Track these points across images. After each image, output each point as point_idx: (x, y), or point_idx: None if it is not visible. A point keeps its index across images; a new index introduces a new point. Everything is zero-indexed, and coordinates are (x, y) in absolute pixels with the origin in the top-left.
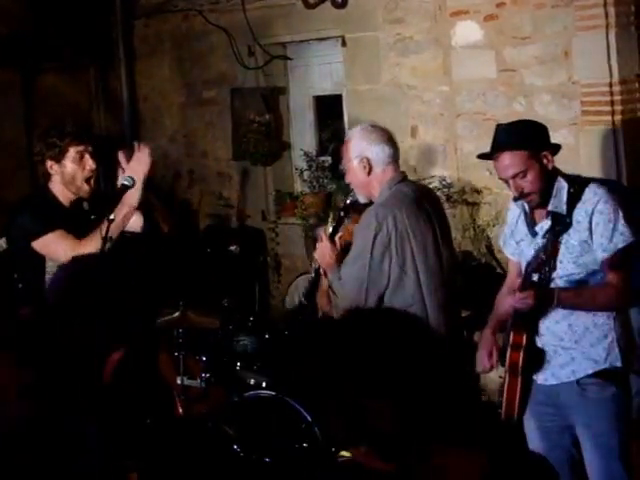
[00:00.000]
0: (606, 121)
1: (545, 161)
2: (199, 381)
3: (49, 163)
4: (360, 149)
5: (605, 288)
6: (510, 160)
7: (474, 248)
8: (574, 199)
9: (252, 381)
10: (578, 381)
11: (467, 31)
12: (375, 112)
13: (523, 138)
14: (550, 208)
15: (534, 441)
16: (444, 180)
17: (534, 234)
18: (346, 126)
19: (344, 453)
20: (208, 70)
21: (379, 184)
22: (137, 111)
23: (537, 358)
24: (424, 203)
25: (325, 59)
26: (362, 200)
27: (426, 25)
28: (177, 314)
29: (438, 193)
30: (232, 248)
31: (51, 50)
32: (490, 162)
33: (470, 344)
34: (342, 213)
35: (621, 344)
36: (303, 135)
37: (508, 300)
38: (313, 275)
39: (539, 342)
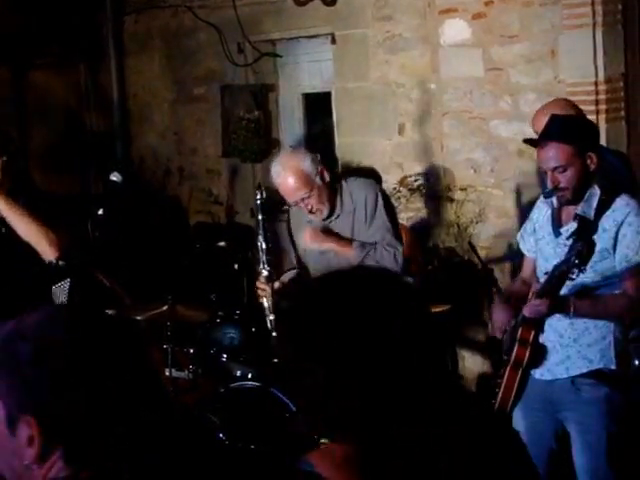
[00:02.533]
0: (590, 120)
1: (589, 161)
2: (187, 373)
3: None
4: (313, 166)
5: (619, 298)
6: (555, 152)
7: (457, 245)
8: (604, 206)
9: (238, 372)
10: (573, 380)
11: (455, 29)
12: (364, 109)
13: (574, 133)
14: (578, 212)
15: (520, 431)
16: (429, 177)
17: (557, 235)
18: (335, 124)
19: (325, 441)
20: (198, 67)
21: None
22: (127, 108)
23: (539, 354)
24: None
25: (314, 56)
26: (325, 214)
27: (415, 23)
28: (166, 307)
29: (424, 190)
30: (221, 244)
31: (41, 47)
32: (476, 159)
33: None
34: (260, 216)
35: (618, 347)
36: (293, 132)
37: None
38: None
39: (540, 337)
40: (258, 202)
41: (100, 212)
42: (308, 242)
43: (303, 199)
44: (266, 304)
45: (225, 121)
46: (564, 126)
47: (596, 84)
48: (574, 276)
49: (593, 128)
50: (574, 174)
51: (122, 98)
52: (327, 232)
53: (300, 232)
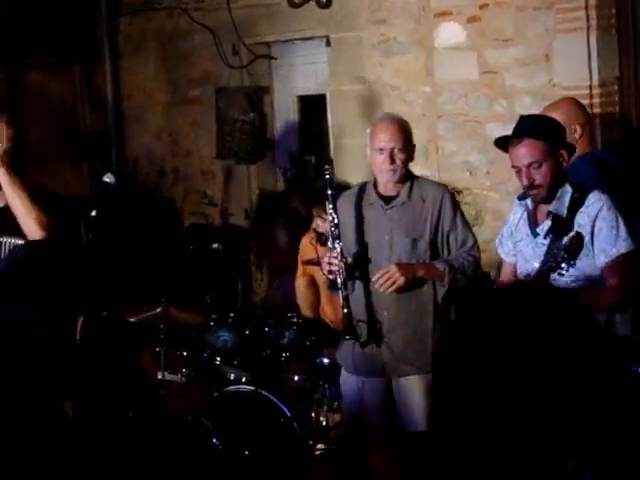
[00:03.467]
0: None
1: (561, 159)
2: (180, 376)
3: None
4: (412, 137)
5: (607, 290)
6: (529, 148)
7: None
8: (577, 204)
9: (232, 376)
10: None
11: (450, 32)
12: (358, 112)
13: (545, 130)
14: (551, 209)
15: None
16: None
17: (535, 234)
18: (330, 126)
19: (321, 446)
20: (193, 69)
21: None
22: (122, 109)
23: None
24: None
25: (309, 59)
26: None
27: (410, 26)
28: (159, 310)
29: None
30: (215, 246)
31: (36, 47)
32: (472, 162)
33: None
34: (330, 191)
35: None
36: (287, 134)
37: None
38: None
39: None
40: (328, 177)
41: (93, 213)
42: (399, 278)
43: (399, 149)
44: (339, 280)
45: (220, 123)
46: (535, 124)
47: (590, 88)
48: (564, 271)
49: (560, 126)
50: (548, 170)
51: (117, 99)
52: (409, 264)
53: (346, 220)
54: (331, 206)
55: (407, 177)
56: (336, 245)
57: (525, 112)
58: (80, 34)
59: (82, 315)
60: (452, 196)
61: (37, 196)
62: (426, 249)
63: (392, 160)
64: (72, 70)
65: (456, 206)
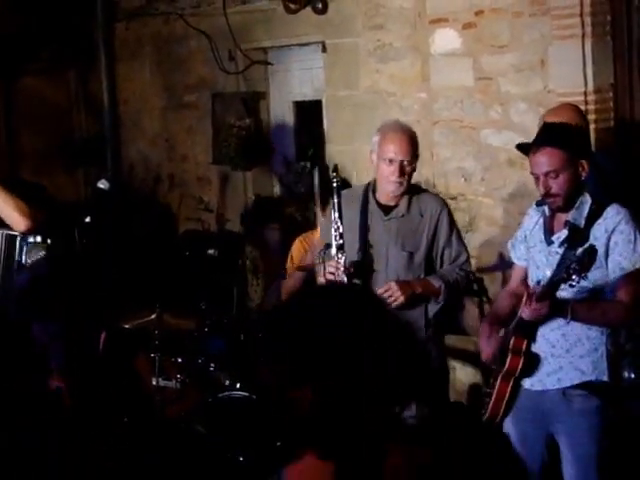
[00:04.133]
0: None
1: (580, 169)
2: (174, 382)
3: None
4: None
5: (616, 305)
6: (548, 156)
7: None
8: (595, 215)
9: (226, 382)
10: (564, 391)
11: (446, 39)
12: (354, 118)
13: (567, 140)
14: (569, 219)
15: (512, 442)
16: (420, 186)
17: (550, 242)
18: (326, 131)
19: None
20: (189, 74)
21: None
22: (117, 114)
23: (532, 364)
24: None
25: (305, 64)
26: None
27: (405, 32)
28: (154, 316)
29: None
30: (211, 252)
31: (32, 52)
32: (467, 168)
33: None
34: (336, 199)
35: (610, 359)
36: (283, 140)
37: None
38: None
39: (531, 347)
40: (335, 184)
41: (87, 220)
42: (399, 297)
43: (408, 162)
44: None
45: (216, 128)
46: (557, 132)
47: (585, 94)
48: (575, 283)
49: (585, 136)
50: (565, 180)
51: (113, 105)
52: (406, 282)
53: (348, 221)
54: (337, 214)
55: (407, 188)
56: (340, 255)
57: (520, 119)
58: (76, 39)
59: (104, 329)
60: (449, 212)
61: (16, 188)
62: (421, 263)
63: (401, 173)
64: (68, 75)
65: (453, 222)
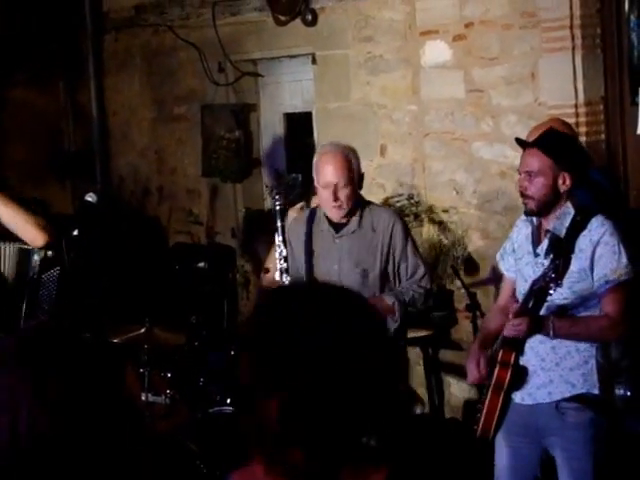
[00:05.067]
0: None
1: (560, 181)
2: (164, 397)
3: None
4: (359, 167)
5: (599, 320)
6: (533, 158)
7: (440, 267)
8: (579, 227)
9: (217, 397)
10: (557, 405)
11: (436, 51)
12: (344, 130)
13: (556, 147)
14: (549, 228)
15: (502, 458)
16: (412, 199)
17: (536, 254)
18: (316, 143)
19: None
20: (178, 86)
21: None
22: (106, 126)
23: (520, 377)
24: None
25: (296, 76)
26: (342, 216)
27: (396, 44)
28: (143, 330)
29: (406, 212)
30: (200, 265)
31: (20, 63)
32: (458, 181)
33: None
34: (279, 223)
35: (600, 372)
36: (273, 152)
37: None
38: None
39: (520, 361)
40: (277, 207)
41: (75, 233)
42: None
43: (343, 185)
44: None
45: (205, 141)
46: (553, 140)
47: (576, 107)
48: (552, 291)
49: (580, 152)
50: (542, 185)
51: (102, 116)
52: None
53: (298, 244)
54: (280, 238)
55: (358, 205)
56: (284, 279)
57: (511, 131)
58: (65, 50)
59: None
60: (403, 224)
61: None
62: (376, 280)
63: (335, 197)
64: (57, 87)
65: (407, 234)
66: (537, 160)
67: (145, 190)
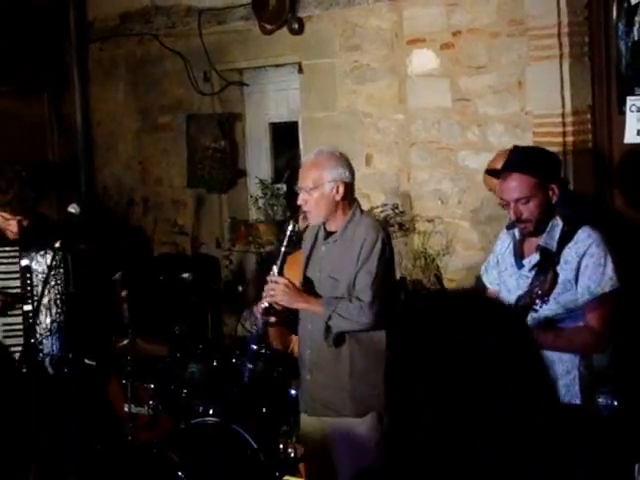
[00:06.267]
0: (557, 152)
1: (551, 193)
2: (146, 408)
3: None
4: (337, 173)
5: (582, 332)
6: (518, 183)
7: (424, 277)
8: (566, 238)
9: (199, 408)
10: None
11: (423, 59)
12: (331, 140)
13: (537, 165)
14: (541, 243)
15: None
16: (397, 208)
17: (520, 266)
18: (302, 153)
19: (288, 478)
20: (163, 95)
21: (344, 209)
22: (91, 137)
23: None
24: None
25: (281, 85)
26: (314, 222)
27: (382, 53)
28: (126, 342)
29: (390, 221)
30: (185, 275)
31: (3, 74)
32: (444, 190)
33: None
34: (284, 248)
35: (582, 382)
36: (259, 162)
37: None
38: (260, 332)
39: None
40: (288, 233)
41: (57, 244)
42: (279, 299)
43: (307, 190)
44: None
45: (191, 151)
46: (526, 157)
47: (563, 116)
48: (537, 307)
49: (555, 159)
50: (537, 206)
51: (86, 127)
52: (299, 291)
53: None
54: (279, 262)
55: (345, 215)
56: (265, 303)
57: (497, 140)
58: (49, 60)
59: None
60: (376, 239)
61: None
62: (344, 291)
63: (303, 202)
64: (41, 97)
65: (372, 254)
66: (524, 184)
67: (130, 201)
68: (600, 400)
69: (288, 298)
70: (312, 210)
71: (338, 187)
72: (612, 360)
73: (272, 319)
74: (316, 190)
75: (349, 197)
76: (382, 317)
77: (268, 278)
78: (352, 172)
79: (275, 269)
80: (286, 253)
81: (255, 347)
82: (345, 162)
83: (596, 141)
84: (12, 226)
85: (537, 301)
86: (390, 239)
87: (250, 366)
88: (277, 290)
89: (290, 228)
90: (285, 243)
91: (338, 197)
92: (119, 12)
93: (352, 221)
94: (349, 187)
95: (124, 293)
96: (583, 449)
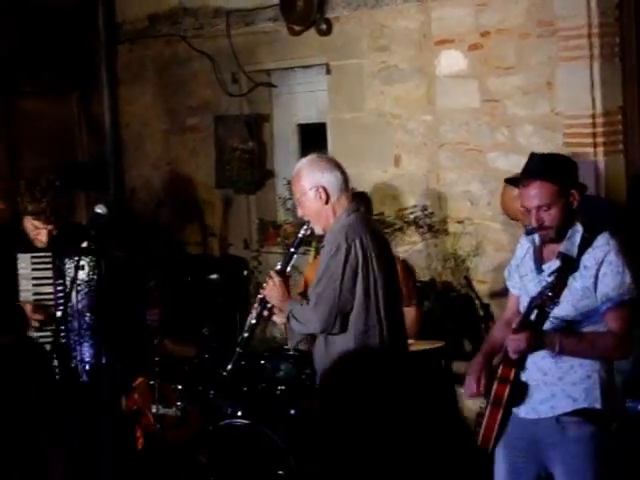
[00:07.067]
0: (588, 153)
1: (571, 199)
2: (174, 409)
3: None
4: (314, 179)
5: (605, 337)
6: (539, 190)
7: (454, 279)
8: (585, 244)
9: (228, 410)
10: (558, 418)
11: (451, 60)
12: (358, 141)
13: (556, 171)
14: (562, 249)
15: (500, 472)
16: (426, 210)
17: (540, 271)
18: (330, 155)
19: None
20: (191, 97)
21: (335, 212)
22: (119, 138)
23: (520, 392)
24: (381, 232)
25: (309, 87)
26: (319, 231)
27: (411, 53)
28: (154, 342)
29: (420, 223)
30: (213, 276)
31: (33, 75)
32: (473, 192)
33: (448, 373)
34: (292, 249)
35: (603, 386)
36: (287, 163)
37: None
38: (253, 321)
39: (523, 376)
40: (300, 235)
41: (84, 245)
42: (266, 294)
43: (299, 201)
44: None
45: (219, 152)
46: (546, 164)
47: (593, 117)
48: (549, 309)
49: (573, 165)
50: (557, 212)
51: (115, 128)
52: (283, 292)
53: None
54: (283, 261)
55: (337, 217)
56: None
57: (527, 141)
58: (78, 62)
59: None
60: (335, 244)
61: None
62: None
63: (302, 213)
64: (70, 98)
65: (330, 254)
66: (545, 192)
67: (158, 202)
68: (629, 404)
69: (271, 295)
70: (310, 219)
71: (320, 192)
72: (637, 365)
73: (265, 312)
74: (304, 199)
75: (334, 200)
76: (333, 321)
77: (269, 272)
78: (335, 175)
79: (278, 266)
80: (293, 254)
81: (246, 334)
82: (325, 166)
83: (627, 142)
84: (42, 235)
85: (548, 303)
86: (363, 244)
87: (240, 351)
88: (268, 285)
89: (302, 231)
90: (295, 244)
91: (322, 202)
92: (147, 13)
93: (334, 228)
94: (331, 190)
95: (157, 299)
96: (600, 452)
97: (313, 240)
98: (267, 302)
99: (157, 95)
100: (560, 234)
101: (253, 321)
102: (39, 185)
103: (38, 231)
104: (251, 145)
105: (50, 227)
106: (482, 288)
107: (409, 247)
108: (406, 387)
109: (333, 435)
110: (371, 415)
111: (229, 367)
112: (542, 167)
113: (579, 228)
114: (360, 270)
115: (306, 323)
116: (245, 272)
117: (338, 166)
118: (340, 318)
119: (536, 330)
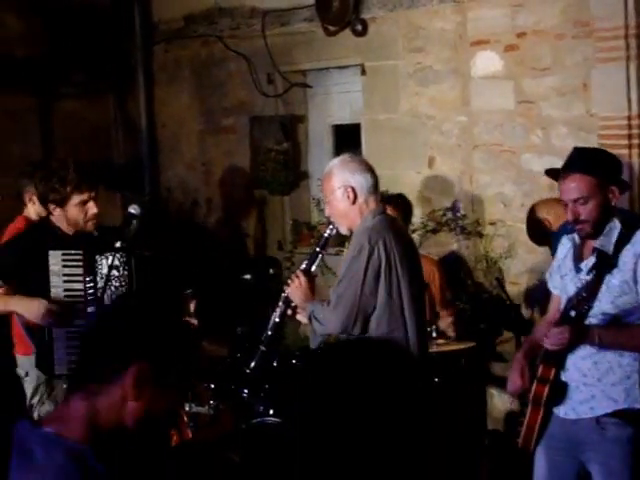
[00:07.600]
0: (623, 155)
1: (610, 195)
2: (207, 408)
3: (52, 206)
4: (343, 178)
5: None
6: (577, 183)
7: (486, 280)
8: (624, 240)
9: (260, 408)
10: (598, 419)
11: (487, 61)
12: (393, 142)
13: (597, 165)
14: (597, 245)
15: (540, 470)
16: (458, 211)
17: (578, 270)
18: (364, 156)
19: None
20: (227, 97)
21: (362, 213)
22: (155, 138)
23: (560, 392)
24: (407, 234)
25: (344, 87)
26: (344, 231)
27: (446, 54)
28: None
29: (452, 224)
30: (247, 277)
31: (69, 76)
32: (506, 194)
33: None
34: (318, 248)
35: None
36: (321, 164)
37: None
38: (277, 319)
39: (562, 376)
40: (325, 235)
41: (117, 245)
42: (290, 293)
43: (327, 200)
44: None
45: (254, 152)
46: (586, 157)
47: (629, 118)
48: (584, 310)
49: (616, 161)
50: (595, 207)
51: (151, 128)
52: (307, 292)
53: None
54: (308, 261)
55: (363, 218)
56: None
57: (561, 143)
58: (114, 62)
59: None
60: (359, 247)
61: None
62: None
63: (329, 212)
64: (106, 99)
65: (355, 256)
66: (583, 185)
67: (193, 202)
68: None
69: (294, 294)
70: (335, 219)
71: (348, 192)
72: None
73: (289, 311)
74: (332, 198)
75: (361, 201)
76: (353, 322)
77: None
78: (365, 177)
79: (303, 265)
80: (318, 253)
81: (270, 332)
82: (356, 167)
83: None
84: (93, 208)
85: (583, 303)
86: (386, 246)
87: (263, 349)
88: (293, 284)
89: (328, 231)
90: (320, 244)
91: (350, 202)
92: (183, 14)
93: (358, 228)
94: (359, 191)
95: (193, 306)
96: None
97: (347, 241)
98: (291, 301)
99: (193, 96)
100: (597, 230)
101: (277, 319)
102: (57, 173)
103: (87, 207)
104: (286, 146)
105: (93, 193)
106: (514, 290)
107: (442, 249)
108: (428, 389)
109: (353, 436)
110: (392, 417)
111: (252, 364)
112: (582, 160)
113: (617, 224)
114: (383, 272)
115: (326, 324)
116: (271, 270)
117: (369, 168)
118: (361, 319)
119: (576, 324)
